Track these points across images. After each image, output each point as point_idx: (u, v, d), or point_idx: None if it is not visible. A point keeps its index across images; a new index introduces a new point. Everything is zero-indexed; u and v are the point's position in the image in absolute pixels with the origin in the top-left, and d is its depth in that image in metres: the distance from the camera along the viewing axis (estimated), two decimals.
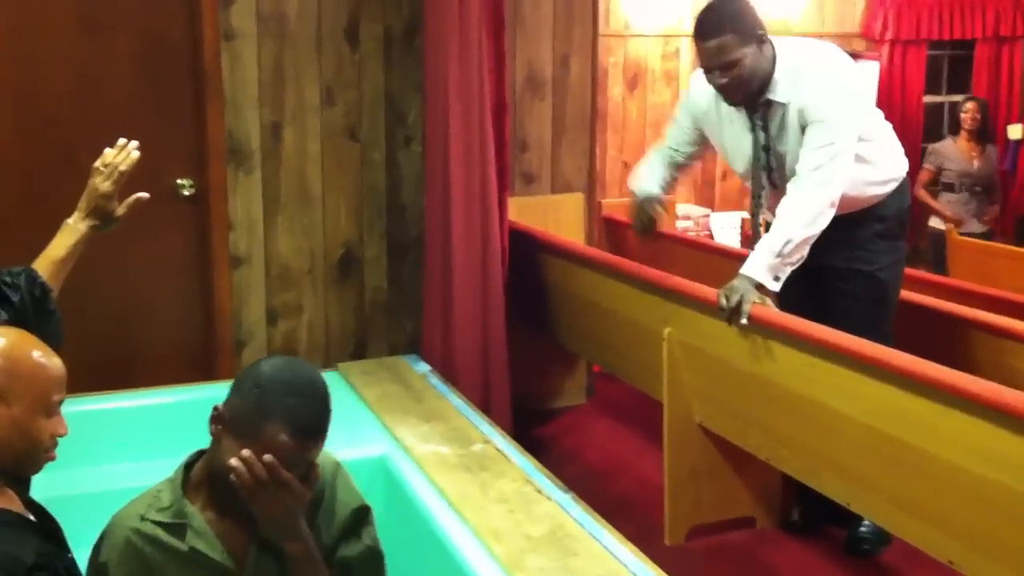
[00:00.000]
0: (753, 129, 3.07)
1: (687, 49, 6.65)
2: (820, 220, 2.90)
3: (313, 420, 1.84)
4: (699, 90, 3.23)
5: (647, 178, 3.40)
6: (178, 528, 1.86)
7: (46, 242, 2.43)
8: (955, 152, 6.18)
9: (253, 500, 1.80)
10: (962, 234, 5.56)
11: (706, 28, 2.96)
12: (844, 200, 2.95)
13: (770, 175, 3.10)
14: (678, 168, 3.43)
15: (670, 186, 3.45)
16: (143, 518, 1.87)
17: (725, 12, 2.97)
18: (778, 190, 3.07)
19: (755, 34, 2.94)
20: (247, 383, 1.84)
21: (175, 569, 1.85)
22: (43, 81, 3.70)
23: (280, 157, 3.94)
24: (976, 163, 6.16)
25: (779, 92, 2.98)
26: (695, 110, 3.28)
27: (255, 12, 3.83)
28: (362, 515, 2.03)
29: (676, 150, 3.39)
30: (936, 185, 6.21)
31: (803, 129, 2.95)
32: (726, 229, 6.16)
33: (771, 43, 2.99)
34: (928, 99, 7.26)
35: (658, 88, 6.63)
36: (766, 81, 2.98)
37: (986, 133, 6.30)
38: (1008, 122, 7.11)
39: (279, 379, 1.83)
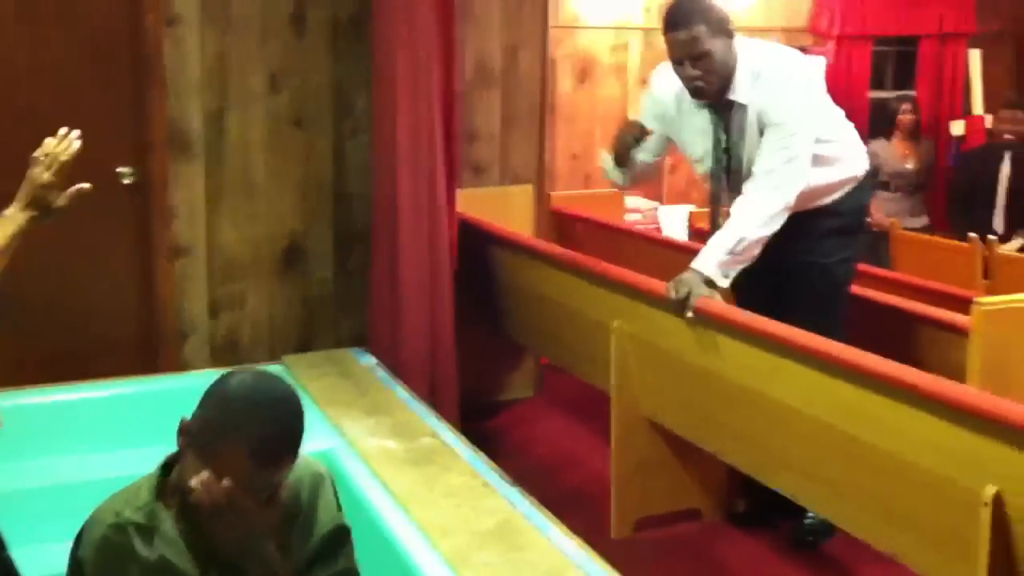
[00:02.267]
0: (715, 130, 3.07)
1: (637, 43, 6.65)
2: (774, 222, 2.92)
3: (276, 443, 1.74)
4: (661, 88, 3.22)
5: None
6: (147, 531, 1.79)
7: None
8: (889, 152, 6.27)
9: (211, 524, 1.73)
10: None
11: (677, 18, 2.95)
12: (802, 197, 2.97)
13: (728, 177, 3.11)
14: (641, 166, 3.37)
15: (633, 173, 3.39)
16: (119, 514, 1.80)
17: (696, 3, 2.96)
18: (735, 192, 3.08)
19: (725, 28, 2.95)
20: (212, 398, 1.77)
21: (143, 571, 1.78)
22: None
23: (223, 146, 3.87)
24: (910, 163, 6.26)
25: (740, 93, 2.99)
26: (657, 108, 3.25)
27: None
28: (340, 536, 1.95)
29: (639, 151, 3.32)
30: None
31: (761, 132, 2.96)
32: (675, 222, 6.18)
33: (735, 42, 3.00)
34: (873, 95, 7.34)
35: (608, 81, 6.63)
36: (728, 81, 2.98)
37: (919, 131, 6.40)
38: (951, 118, 7.22)
39: (243, 397, 1.74)
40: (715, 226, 3.16)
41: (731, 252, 2.91)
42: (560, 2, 6.30)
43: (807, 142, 2.95)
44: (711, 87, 2.99)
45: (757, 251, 2.94)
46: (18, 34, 3.62)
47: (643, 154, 3.32)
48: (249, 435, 1.71)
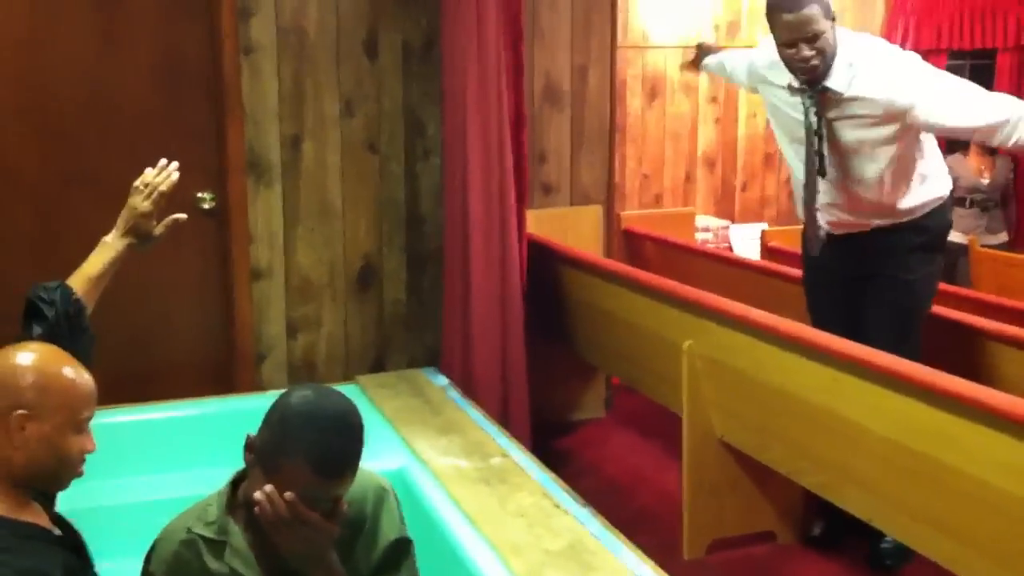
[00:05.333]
0: (806, 113, 3.08)
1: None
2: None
3: (337, 457, 1.79)
4: (763, 59, 3.30)
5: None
6: (219, 545, 1.85)
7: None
8: (964, 167, 6.13)
9: (276, 535, 1.79)
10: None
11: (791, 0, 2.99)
12: (897, 211, 3.04)
13: (820, 161, 3.10)
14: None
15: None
16: (190, 530, 1.87)
17: None
18: (827, 177, 3.11)
19: (831, 11, 2.99)
20: (275, 414, 1.83)
21: None
22: (61, 95, 3.71)
23: (300, 170, 3.95)
24: (986, 177, 6.10)
25: (836, 81, 3.00)
26: (755, 72, 3.40)
27: (274, 26, 3.85)
28: (402, 548, 2.00)
29: (726, 67, 3.75)
30: None
31: (884, 121, 2.97)
32: (746, 241, 6.14)
33: None
34: None
35: (677, 99, 6.62)
36: (827, 68, 3.01)
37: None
38: None
39: (305, 413, 1.79)
40: (810, 212, 3.18)
41: None
42: (628, 21, 6.31)
43: (942, 78, 2.98)
44: (822, 68, 3.00)
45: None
46: (99, 62, 3.73)
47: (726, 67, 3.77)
48: (311, 449, 1.76)
